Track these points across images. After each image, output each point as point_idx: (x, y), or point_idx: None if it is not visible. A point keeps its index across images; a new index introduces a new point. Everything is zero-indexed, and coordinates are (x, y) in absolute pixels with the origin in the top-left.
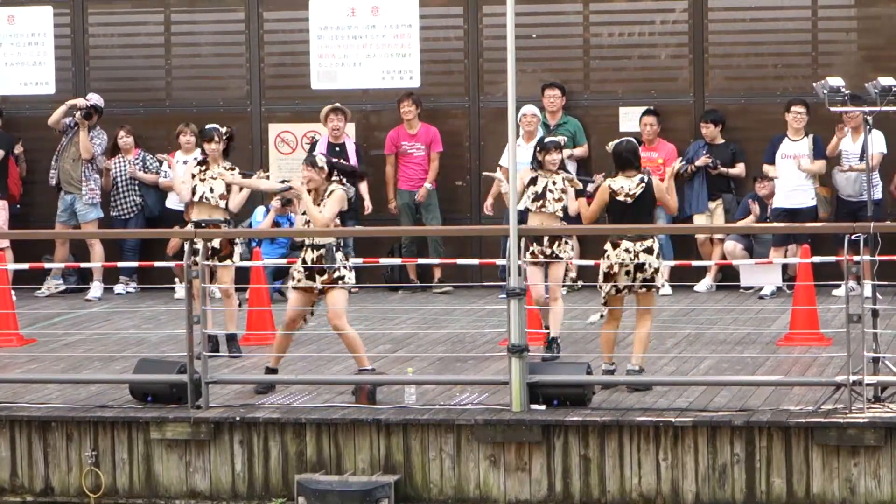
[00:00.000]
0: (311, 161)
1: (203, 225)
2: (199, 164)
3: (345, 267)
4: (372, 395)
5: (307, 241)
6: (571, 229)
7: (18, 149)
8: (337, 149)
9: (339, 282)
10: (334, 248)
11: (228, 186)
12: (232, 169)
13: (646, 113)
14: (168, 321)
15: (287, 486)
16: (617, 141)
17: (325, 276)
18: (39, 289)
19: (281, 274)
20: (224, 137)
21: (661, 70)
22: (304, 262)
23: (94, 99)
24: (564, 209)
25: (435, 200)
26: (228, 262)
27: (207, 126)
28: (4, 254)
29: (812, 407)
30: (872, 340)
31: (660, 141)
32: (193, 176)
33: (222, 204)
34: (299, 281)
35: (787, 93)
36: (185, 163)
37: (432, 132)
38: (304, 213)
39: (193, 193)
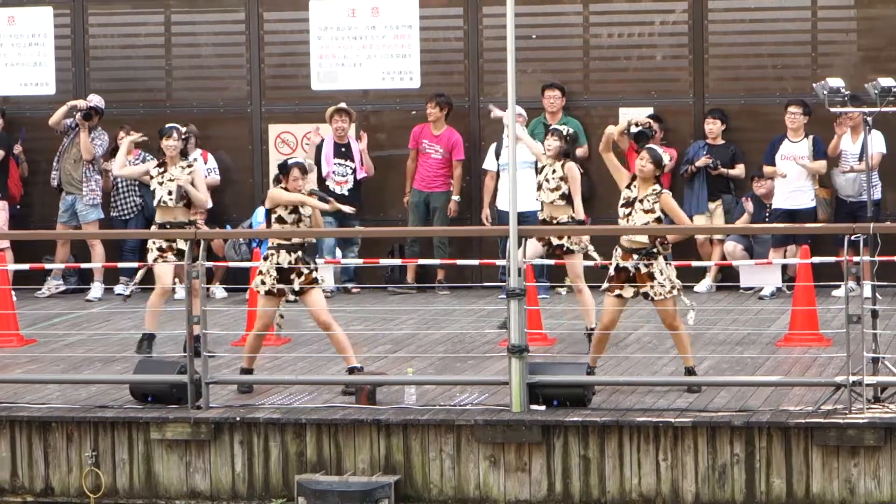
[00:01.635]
0: (303, 167)
1: (168, 227)
2: (158, 165)
3: (316, 270)
4: (372, 395)
5: (276, 244)
6: (571, 229)
7: (17, 149)
8: (343, 149)
9: (315, 283)
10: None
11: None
12: (190, 166)
13: (649, 118)
14: (168, 321)
15: (287, 487)
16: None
17: (303, 278)
18: (40, 289)
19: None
20: (183, 136)
21: (661, 71)
22: (278, 266)
23: (95, 100)
24: (567, 196)
25: (445, 202)
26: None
27: (167, 125)
28: (5, 254)
29: (812, 407)
30: (872, 341)
31: (661, 147)
32: (152, 178)
33: (181, 204)
34: (273, 286)
35: (786, 93)
36: None
37: (455, 138)
38: (292, 214)
39: (153, 197)
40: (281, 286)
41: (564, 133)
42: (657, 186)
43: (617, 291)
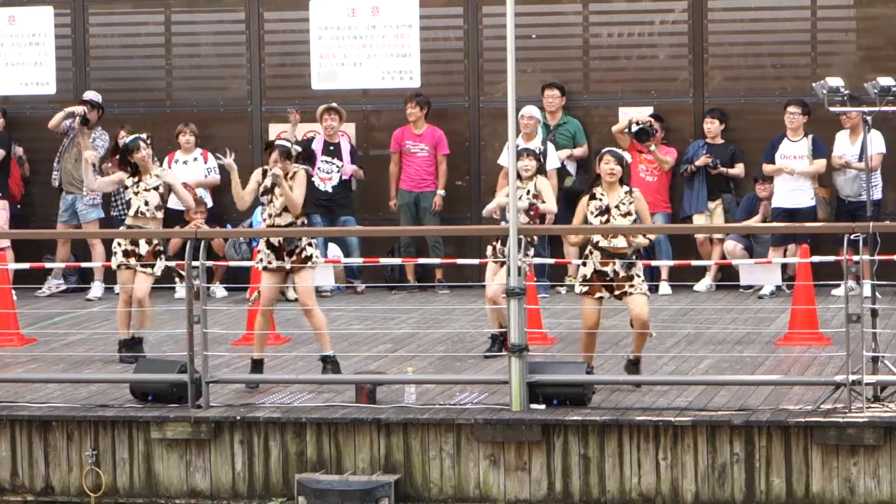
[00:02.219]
0: (285, 151)
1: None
2: (132, 174)
3: (310, 245)
4: (372, 394)
5: (268, 223)
6: (570, 229)
7: (19, 150)
8: (332, 147)
9: (309, 261)
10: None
11: (165, 194)
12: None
13: (650, 118)
14: (168, 321)
15: (287, 486)
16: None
17: (295, 257)
18: (40, 288)
19: None
20: (148, 143)
21: (661, 70)
22: (269, 244)
23: (90, 95)
24: (542, 217)
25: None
26: (149, 269)
27: (129, 139)
28: (5, 254)
29: (811, 406)
30: (872, 340)
31: (661, 146)
32: (126, 188)
33: (159, 215)
34: (270, 262)
35: (786, 93)
36: (185, 163)
37: (437, 134)
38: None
39: (128, 207)
40: (280, 263)
41: (537, 151)
42: (626, 187)
43: (598, 294)
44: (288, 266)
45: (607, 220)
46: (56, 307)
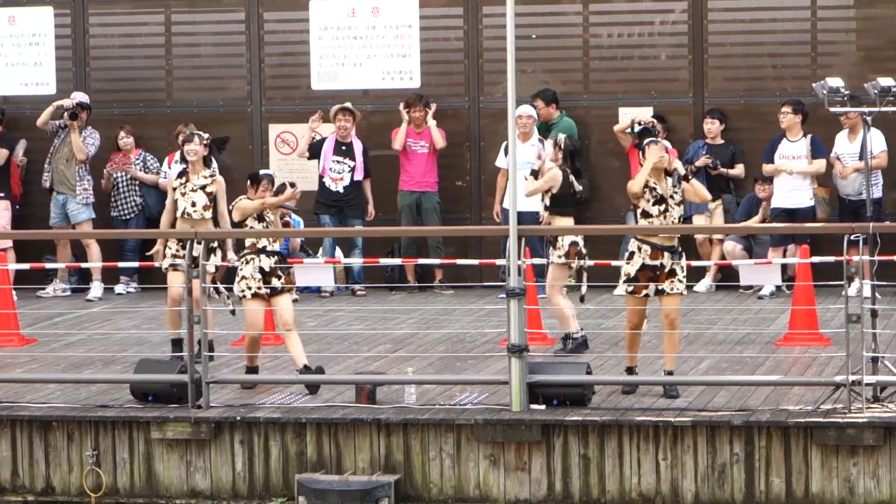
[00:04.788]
0: (271, 179)
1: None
2: (179, 175)
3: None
4: (372, 394)
5: (257, 249)
6: (574, 229)
7: (22, 160)
8: (343, 147)
9: (291, 287)
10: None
11: (210, 196)
12: (213, 176)
13: (652, 118)
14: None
15: (287, 486)
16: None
17: (284, 279)
18: (44, 289)
19: None
20: (205, 143)
21: (661, 70)
22: (261, 269)
23: (79, 97)
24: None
25: (435, 204)
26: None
27: (189, 132)
28: (6, 254)
29: (811, 407)
30: (871, 340)
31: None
32: (174, 189)
33: (207, 215)
34: (259, 289)
35: (786, 93)
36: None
37: (438, 130)
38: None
39: (175, 209)
40: (268, 287)
41: (561, 144)
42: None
43: (644, 292)
44: (279, 286)
45: (665, 209)
46: (56, 307)
